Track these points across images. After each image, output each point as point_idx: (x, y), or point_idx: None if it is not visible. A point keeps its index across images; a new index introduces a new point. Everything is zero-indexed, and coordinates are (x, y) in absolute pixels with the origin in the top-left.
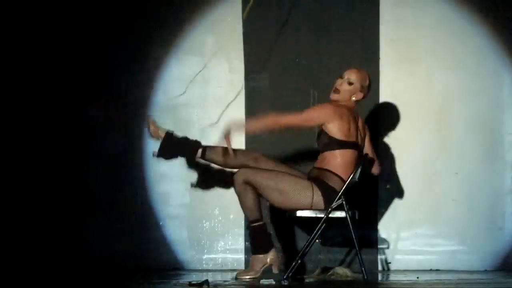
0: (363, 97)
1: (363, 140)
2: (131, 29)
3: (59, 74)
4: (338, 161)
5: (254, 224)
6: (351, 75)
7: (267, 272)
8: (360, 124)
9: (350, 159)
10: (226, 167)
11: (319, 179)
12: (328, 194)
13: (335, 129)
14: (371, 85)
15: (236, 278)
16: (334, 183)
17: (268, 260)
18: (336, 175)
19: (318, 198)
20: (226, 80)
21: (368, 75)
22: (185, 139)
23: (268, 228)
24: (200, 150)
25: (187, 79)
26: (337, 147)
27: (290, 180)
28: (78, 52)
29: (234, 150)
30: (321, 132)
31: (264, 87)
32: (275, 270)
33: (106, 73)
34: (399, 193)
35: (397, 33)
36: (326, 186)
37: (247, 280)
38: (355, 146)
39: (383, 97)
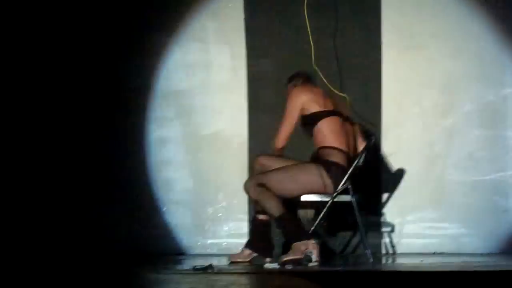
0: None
1: (345, 111)
2: (132, 16)
3: (61, 63)
4: (325, 133)
5: (284, 217)
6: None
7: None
8: (336, 100)
9: (335, 127)
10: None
11: (321, 160)
12: (333, 171)
13: (311, 104)
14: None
15: (280, 264)
16: (333, 156)
17: (310, 246)
18: (331, 147)
19: (327, 179)
20: (229, 66)
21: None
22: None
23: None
24: None
25: (189, 65)
26: (318, 119)
27: (299, 168)
28: (80, 41)
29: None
30: (301, 118)
31: (266, 73)
32: (315, 257)
33: (108, 60)
34: (403, 177)
35: (399, 19)
36: (329, 163)
37: (291, 261)
38: (334, 113)
39: (385, 83)
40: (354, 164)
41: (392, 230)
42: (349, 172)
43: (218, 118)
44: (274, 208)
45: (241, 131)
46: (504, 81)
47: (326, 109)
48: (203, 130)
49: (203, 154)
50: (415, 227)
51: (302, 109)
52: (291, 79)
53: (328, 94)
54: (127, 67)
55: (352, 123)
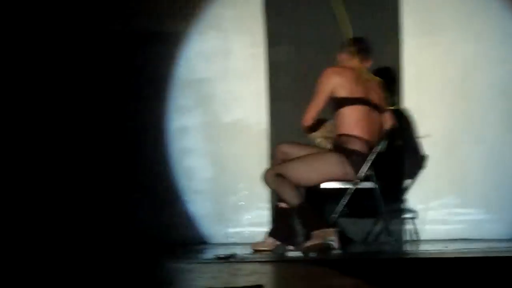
0: (362, 60)
1: (377, 99)
2: (151, 5)
3: (81, 54)
4: (349, 120)
5: (303, 206)
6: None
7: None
8: (371, 85)
9: (360, 115)
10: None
11: (341, 147)
12: (353, 159)
13: (340, 89)
14: (366, 46)
15: (302, 252)
16: (354, 144)
17: (330, 234)
18: (352, 135)
19: (347, 167)
20: (248, 53)
21: (357, 40)
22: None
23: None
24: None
25: (208, 53)
26: (344, 104)
27: (318, 157)
28: (99, 31)
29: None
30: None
31: (286, 60)
32: (336, 245)
33: (128, 49)
34: (425, 163)
35: (417, 4)
36: (349, 151)
37: (313, 247)
38: (362, 101)
39: (405, 69)
40: (374, 151)
41: (415, 217)
42: (370, 158)
43: (238, 106)
44: (293, 197)
45: (261, 119)
46: None
47: (352, 96)
48: (223, 118)
49: (223, 142)
50: (438, 213)
51: (332, 91)
52: (350, 43)
53: (360, 80)
54: (146, 57)
55: (382, 111)
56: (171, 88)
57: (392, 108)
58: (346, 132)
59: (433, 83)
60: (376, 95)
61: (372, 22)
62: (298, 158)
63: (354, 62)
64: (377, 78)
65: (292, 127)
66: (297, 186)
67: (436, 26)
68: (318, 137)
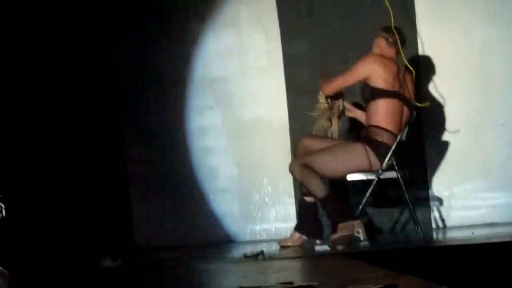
0: (397, 51)
1: (410, 94)
2: (166, 5)
3: (99, 54)
4: (381, 112)
5: (329, 198)
6: (378, 34)
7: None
8: (406, 79)
9: (394, 109)
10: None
11: (369, 138)
12: (381, 151)
13: (378, 78)
14: (403, 37)
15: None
16: (383, 137)
17: (356, 226)
18: (383, 128)
19: (373, 158)
20: (264, 49)
21: (396, 29)
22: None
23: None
24: None
25: (224, 52)
26: (379, 96)
27: (344, 148)
28: (113, 31)
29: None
30: (365, 85)
31: (302, 54)
32: (363, 236)
33: (144, 51)
34: (447, 149)
35: None
36: (377, 143)
37: (340, 238)
38: (398, 96)
39: (422, 55)
40: (397, 139)
41: (441, 204)
42: (393, 147)
43: (257, 103)
44: (319, 189)
45: (281, 114)
46: None
47: (389, 89)
48: (243, 115)
49: (245, 140)
50: (463, 199)
51: (368, 77)
52: (386, 31)
53: (399, 73)
54: (162, 57)
55: (411, 105)
56: (190, 88)
57: (421, 105)
58: (377, 124)
59: (452, 68)
60: (408, 89)
61: (386, 11)
62: (324, 149)
63: (392, 51)
64: (412, 71)
65: (313, 121)
66: (323, 177)
67: (450, 11)
68: (321, 113)
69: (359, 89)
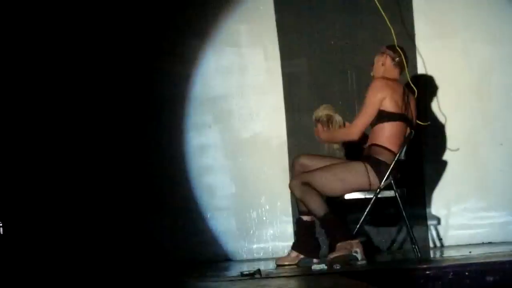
0: (401, 71)
1: (412, 114)
2: (164, 23)
3: (96, 72)
4: (387, 134)
5: (328, 217)
6: (379, 54)
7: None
8: (410, 99)
9: (399, 131)
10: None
11: (370, 157)
12: (381, 170)
13: (388, 102)
14: (407, 57)
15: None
16: (384, 157)
17: (354, 245)
18: (386, 148)
19: (373, 177)
20: (263, 68)
21: (401, 49)
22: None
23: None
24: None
25: (224, 70)
26: (386, 119)
27: (344, 166)
28: (114, 49)
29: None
30: None
31: (302, 72)
32: (360, 256)
33: (142, 69)
34: (445, 168)
35: (430, 8)
36: (379, 162)
37: (338, 258)
38: (404, 119)
39: (421, 73)
40: (396, 158)
41: (439, 223)
42: (392, 166)
43: (256, 121)
44: (318, 207)
45: (279, 132)
46: None
47: (397, 112)
48: (241, 133)
49: (243, 158)
50: (461, 218)
51: (381, 104)
52: (391, 49)
53: (404, 94)
54: (162, 75)
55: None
56: (188, 106)
57: (423, 124)
58: (381, 144)
59: (451, 87)
60: (411, 109)
61: (386, 30)
62: (324, 167)
63: (396, 71)
64: (415, 90)
65: (311, 139)
66: (322, 196)
67: (449, 30)
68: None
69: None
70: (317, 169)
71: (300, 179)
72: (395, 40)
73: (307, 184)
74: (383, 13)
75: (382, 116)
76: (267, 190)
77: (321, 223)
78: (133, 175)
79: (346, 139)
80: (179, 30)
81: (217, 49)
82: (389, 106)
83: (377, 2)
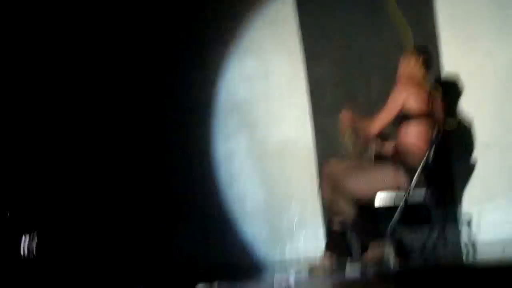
0: (426, 71)
1: (439, 116)
2: (189, 31)
3: (124, 77)
4: (413, 133)
5: (360, 217)
6: (404, 55)
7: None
8: (436, 100)
9: (424, 130)
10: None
11: (398, 159)
12: (410, 171)
13: (412, 102)
14: (432, 57)
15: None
16: (413, 157)
17: (386, 246)
18: (413, 149)
19: (402, 178)
20: (287, 72)
21: (425, 49)
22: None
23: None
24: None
25: (248, 76)
26: (412, 118)
27: (373, 169)
28: (141, 59)
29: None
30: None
31: (325, 75)
32: (393, 257)
33: (169, 77)
34: (474, 167)
35: (454, 9)
36: (407, 163)
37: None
38: (430, 118)
39: (447, 74)
40: (424, 159)
41: (470, 221)
42: (422, 166)
43: (282, 126)
44: (348, 210)
45: (306, 137)
46: None
47: (421, 110)
48: (268, 139)
49: (271, 163)
50: (493, 216)
51: (404, 104)
52: (416, 50)
53: (428, 93)
54: (187, 83)
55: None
56: (215, 114)
57: (449, 126)
58: (407, 145)
59: (477, 87)
60: (437, 109)
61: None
62: (354, 169)
63: (421, 71)
64: (439, 89)
65: (338, 142)
66: (353, 197)
67: (473, 32)
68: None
69: None
70: (346, 172)
71: (329, 182)
72: (411, 41)
73: (337, 187)
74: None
75: (407, 115)
76: (296, 194)
77: (352, 223)
78: (162, 184)
79: (365, 132)
80: (203, 38)
81: (241, 55)
82: (414, 105)
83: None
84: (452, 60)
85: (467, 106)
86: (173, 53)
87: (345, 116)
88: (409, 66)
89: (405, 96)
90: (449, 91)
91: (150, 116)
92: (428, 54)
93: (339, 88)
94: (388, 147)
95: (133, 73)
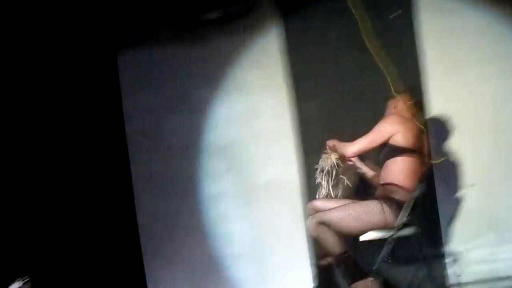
0: (414, 113)
1: (426, 149)
2: (176, 73)
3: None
4: (400, 170)
5: (344, 256)
6: (391, 98)
7: None
8: (424, 137)
9: (411, 167)
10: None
11: (386, 196)
12: (397, 209)
13: (400, 137)
14: (420, 99)
15: None
16: (400, 195)
17: (369, 285)
18: (400, 186)
19: (390, 215)
20: (274, 113)
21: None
22: None
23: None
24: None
25: (235, 117)
26: (398, 153)
27: (360, 205)
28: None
29: None
30: (383, 145)
31: (313, 116)
32: None
33: (157, 119)
34: (460, 203)
35: (440, 44)
36: (394, 201)
37: None
38: (417, 154)
39: (434, 110)
40: (412, 196)
41: (456, 259)
42: (409, 204)
43: (270, 166)
44: (334, 246)
45: (293, 177)
46: None
47: (410, 147)
48: (255, 180)
49: (258, 204)
50: (478, 254)
51: (390, 138)
52: (403, 93)
53: (417, 131)
54: (175, 125)
55: (428, 162)
56: (202, 155)
57: (436, 162)
58: (395, 182)
59: (464, 122)
60: (425, 146)
61: (398, 70)
62: (339, 206)
63: (409, 113)
64: (426, 128)
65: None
66: (339, 235)
67: (460, 65)
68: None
69: None
70: (333, 208)
71: (316, 219)
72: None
73: (322, 224)
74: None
75: (394, 150)
76: (284, 235)
77: (336, 262)
78: (148, 227)
79: (342, 152)
80: (188, 79)
81: (228, 96)
82: (401, 141)
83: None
84: (440, 94)
85: (453, 143)
86: (160, 94)
87: (331, 141)
88: (399, 107)
89: (392, 131)
90: (436, 128)
91: (137, 157)
92: (419, 96)
93: (326, 128)
94: (368, 170)
95: (120, 112)
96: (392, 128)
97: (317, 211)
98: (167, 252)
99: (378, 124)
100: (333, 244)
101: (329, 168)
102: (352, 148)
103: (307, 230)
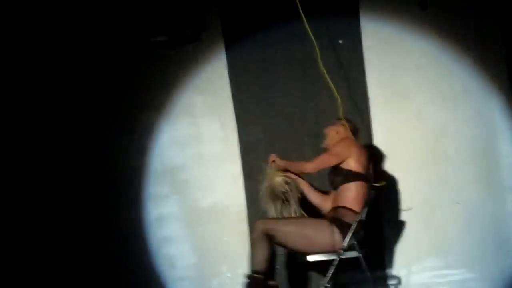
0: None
1: (371, 173)
2: (121, 96)
3: (55, 141)
4: (352, 195)
5: (256, 276)
6: (331, 125)
7: None
8: (368, 158)
9: (363, 191)
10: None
11: (336, 218)
12: (346, 232)
13: (354, 162)
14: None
15: None
16: (349, 218)
17: None
18: (351, 210)
19: (338, 237)
20: (220, 137)
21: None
22: None
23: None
24: None
25: (180, 140)
26: (353, 179)
27: (311, 224)
28: (72, 122)
29: None
30: (336, 168)
31: (258, 140)
32: None
33: (100, 141)
34: (404, 228)
35: (383, 73)
36: (344, 223)
37: None
38: (367, 179)
39: (377, 137)
40: (357, 219)
41: (399, 283)
42: (354, 227)
43: (214, 190)
44: (258, 261)
45: (238, 200)
46: (494, 121)
47: (363, 172)
48: (200, 203)
49: (202, 227)
50: (421, 277)
51: (346, 161)
52: (343, 119)
53: (367, 158)
54: (120, 148)
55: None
56: (146, 178)
57: (378, 185)
58: (347, 206)
59: (405, 148)
60: (370, 170)
61: (340, 96)
62: (291, 219)
63: (348, 136)
64: (371, 152)
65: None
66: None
67: (403, 93)
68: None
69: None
70: (285, 220)
71: (263, 224)
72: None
73: (266, 232)
74: (331, 86)
75: (349, 176)
76: (227, 258)
77: (247, 278)
78: (92, 248)
79: (299, 171)
80: (134, 102)
81: (173, 120)
82: (354, 166)
83: (326, 75)
84: (382, 121)
85: (395, 166)
86: (105, 118)
87: (273, 157)
88: (340, 132)
89: (347, 153)
90: (378, 154)
91: (81, 181)
92: (353, 123)
93: (271, 152)
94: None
95: (64, 137)
96: (349, 151)
97: (264, 228)
98: (110, 273)
99: (336, 145)
100: (261, 258)
101: (277, 188)
102: (311, 164)
103: (253, 231)
